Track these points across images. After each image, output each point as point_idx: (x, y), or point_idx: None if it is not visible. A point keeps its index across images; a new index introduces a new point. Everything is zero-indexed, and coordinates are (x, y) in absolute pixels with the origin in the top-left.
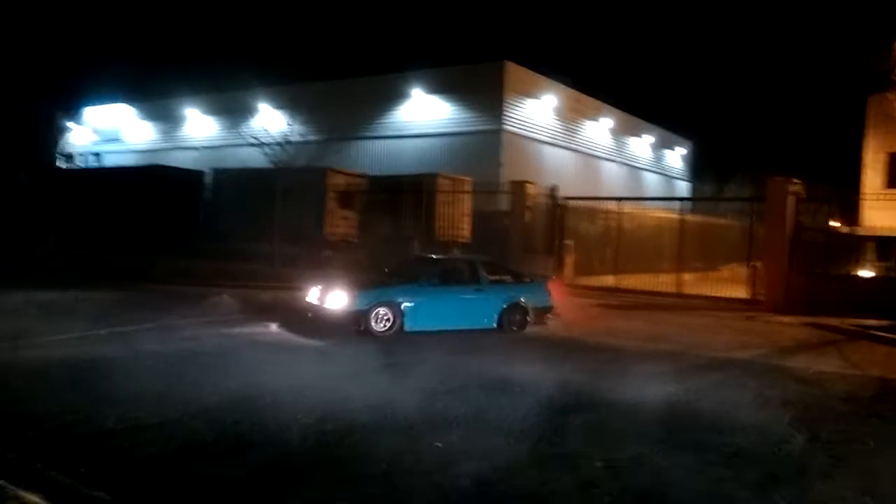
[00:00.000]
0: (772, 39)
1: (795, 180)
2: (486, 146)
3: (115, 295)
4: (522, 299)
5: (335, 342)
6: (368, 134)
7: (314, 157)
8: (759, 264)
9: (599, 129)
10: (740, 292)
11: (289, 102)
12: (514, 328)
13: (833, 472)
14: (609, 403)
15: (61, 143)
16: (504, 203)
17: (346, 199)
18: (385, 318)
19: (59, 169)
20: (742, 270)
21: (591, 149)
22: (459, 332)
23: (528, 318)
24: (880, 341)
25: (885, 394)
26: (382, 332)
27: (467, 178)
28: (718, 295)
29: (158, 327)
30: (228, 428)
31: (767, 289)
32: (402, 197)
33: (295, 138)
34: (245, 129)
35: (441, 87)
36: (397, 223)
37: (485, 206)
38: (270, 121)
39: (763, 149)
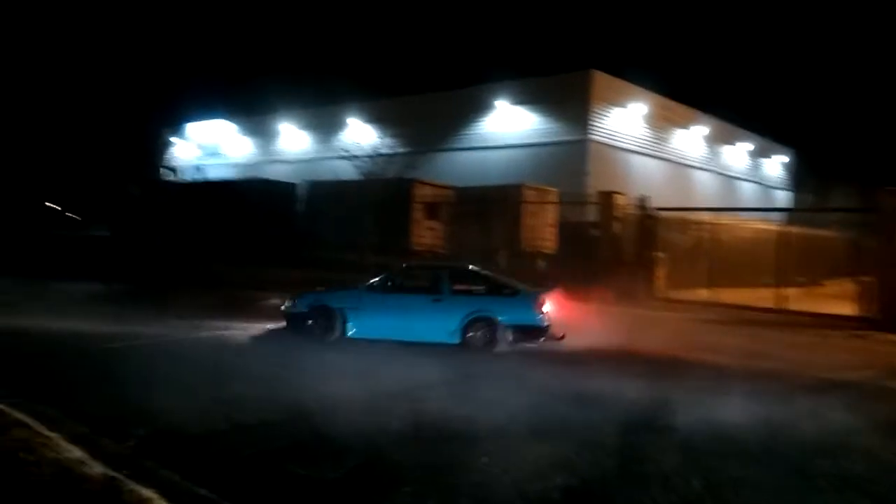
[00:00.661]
0: (879, 41)
1: None
2: (572, 156)
3: (213, 300)
4: (492, 315)
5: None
6: (454, 146)
7: (401, 168)
8: (869, 279)
9: (692, 138)
10: (848, 309)
11: (378, 116)
12: (479, 346)
13: None
14: (709, 422)
15: (167, 157)
16: (591, 214)
17: (432, 210)
18: (324, 323)
19: (165, 181)
20: (849, 286)
21: (682, 158)
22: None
23: (497, 335)
24: None
25: None
26: (322, 336)
27: (553, 189)
28: (824, 312)
29: (258, 331)
30: (325, 431)
31: (879, 306)
32: (488, 208)
33: (384, 151)
34: (336, 143)
35: (526, 97)
36: (483, 234)
37: (571, 216)
38: (360, 134)
39: (870, 156)
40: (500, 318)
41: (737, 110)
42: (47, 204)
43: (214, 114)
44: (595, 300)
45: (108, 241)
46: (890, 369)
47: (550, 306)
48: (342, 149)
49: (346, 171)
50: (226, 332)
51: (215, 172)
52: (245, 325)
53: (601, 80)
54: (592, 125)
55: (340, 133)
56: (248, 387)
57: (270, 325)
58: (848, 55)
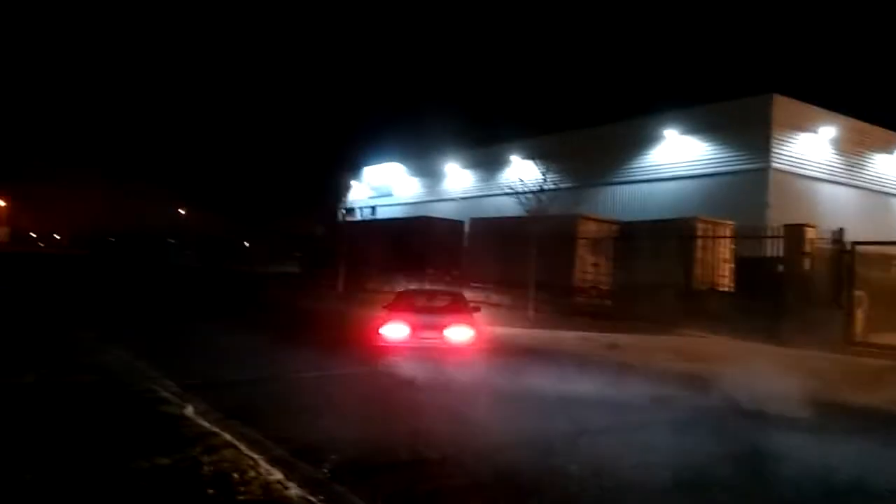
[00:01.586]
0: None
1: None
2: (750, 186)
3: None
4: None
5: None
6: (620, 179)
7: (565, 204)
8: None
9: (892, 163)
10: None
11: (540, 153)
12: None
13: None
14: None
15: (345, 199)
16: (772, 248)
17: (596, 245)
18: None
19: (345, 221)
20: None
21: (881, 185)
22: None
23: None
24: None
25: None
26: None
27: (729, 222)
28: None
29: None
30: (506, 470)
31: None
32: (656, 242)
33: (547, 186)
34: (499, 180)
35: (697, 126)
36: (650, 270)
37: (749, 251)
38: (523, 171)
39: None
40: None
41: None
42: (245, 244)
43: (387, 157)
44: (775, 342)
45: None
46: None
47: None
48: (506, 185)
49: (510, 207)
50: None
51: (387, 212)
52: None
53: (783, 103)
54: (774, 152)
55: (503, 171)
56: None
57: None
58: None
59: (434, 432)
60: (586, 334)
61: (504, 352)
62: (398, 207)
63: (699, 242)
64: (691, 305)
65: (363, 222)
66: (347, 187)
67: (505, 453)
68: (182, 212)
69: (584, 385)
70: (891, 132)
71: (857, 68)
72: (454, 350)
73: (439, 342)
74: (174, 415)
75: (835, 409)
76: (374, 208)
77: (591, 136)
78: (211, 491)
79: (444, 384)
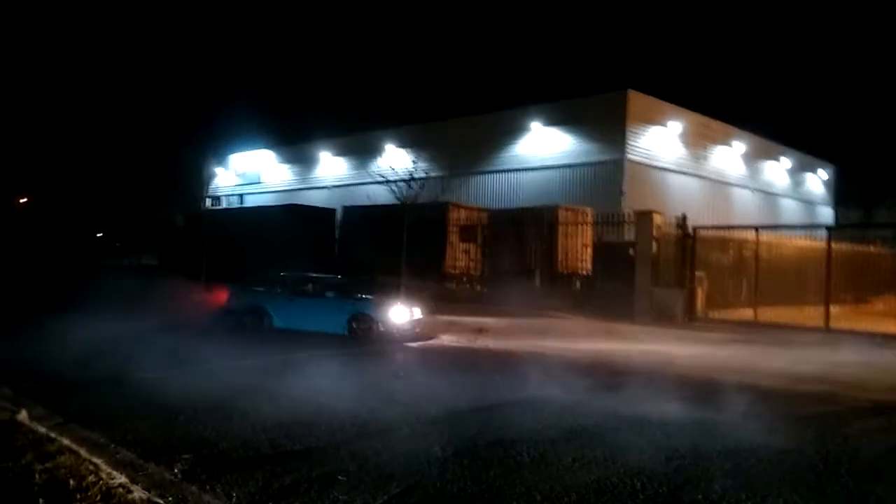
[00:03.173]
0: None
1: None
2: (608, 176)
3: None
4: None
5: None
6: (489, 168)
7: (436, 192)
8: None
9: (730, 155)
10: None
11: (413, 141)
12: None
13: None
14: (754, 447)
15: (209, 187)
16: (628, 234)
17: (466, 232)
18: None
19: (208, 210)
20: None
21: (721, 176)
22: None
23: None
24: None
25: None
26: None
27: (588, 209)
28: (875, 330)
29: (300, 357)
30: (370, 459)
31: None
32: (523, 229)
33: (418, 175)
34: (372, 168)
35: (561, 118)
36: (518, 256)
37: (608, 237)
38: (395, 159)
39: None
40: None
41: (775, 126)
42: (98, 235)
43: (255, 143)
44: (628, 321)
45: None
46: None
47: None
48: (378, 174)
49: (382, 195)
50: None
51: (256, 200)
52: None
53: (637, 99)
54: (628, 144)
55: (376, 158)
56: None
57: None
58: (888, 70)
59: (300, 423)
60: (456, 318)
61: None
62: (268, 195)
63: (561, 229)
64: (555, 289)
65: (228, 211)
66: (212, 174)
67: (365, 441)
68: (23, 201)
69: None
70: (730, 126)
71: (701, 65)
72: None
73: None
74: (3, 421)
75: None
76: (241, 196)
77: (462, 126)
78: (42, 501)
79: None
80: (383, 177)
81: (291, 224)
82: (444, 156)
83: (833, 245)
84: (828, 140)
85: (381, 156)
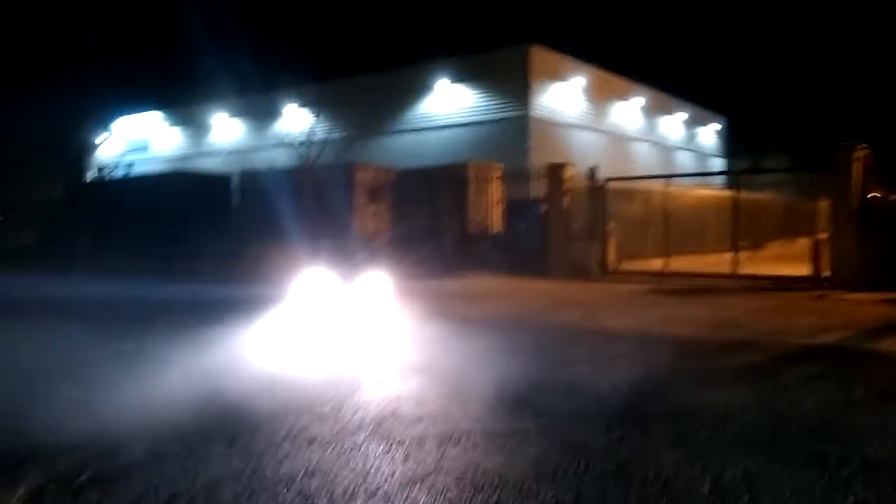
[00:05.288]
0: (803, 15)
1: (864, 146)
2: (514, 133)
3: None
4: None
5: None
6: (396, 128)
7: (341, 153)
8: (822, 237)
9: (630, 109)
10: (800, 269)
11: (313, 101)
12: None
13: None
14: (691, 409)
15: (93, 154)
16: (537, 189)
17: (374, 194)
18: None
19: (90, 181)
20: (793, 246)
21: (621, 129)
22: None
23: None
24: None
25: None
26: None
27: (498, 165)
28: (779, 274)
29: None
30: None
31: (834, 264)
32: (432, 189)
33: (321, 136)
34: (272, 131)
35: (465, 75)
36: (429, 216)
37: (517, 193)
38: (297, 120)
39: (798, 120)
40: None
41: (671, 81)
42: None
43: (142, 106)
44: (542, 277)
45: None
46: (863, 329)
47: None
48: (278, 136)
49: (285, 159)
50: None
51: (146, 168)
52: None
53: (540, 54)
54: (533, 100)
55: (276, 120)
56: None
57: None
58: (775, 27)
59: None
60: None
61: None
62: (160, 163)
63: (472, 187)
64: (468, 248)
65: (112, 182)
66: (93, 142)
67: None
68: None
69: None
70: (629, 81)
71: (601, 20)
72: None
73: None
74: None
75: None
76: (129, 165)
77: (366, 84)
78: None
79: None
80: (285, 139)
81: (181, 193)
82: (349, 116)
83: (734, 193)
84: (719, 94)
85: (281, 117)
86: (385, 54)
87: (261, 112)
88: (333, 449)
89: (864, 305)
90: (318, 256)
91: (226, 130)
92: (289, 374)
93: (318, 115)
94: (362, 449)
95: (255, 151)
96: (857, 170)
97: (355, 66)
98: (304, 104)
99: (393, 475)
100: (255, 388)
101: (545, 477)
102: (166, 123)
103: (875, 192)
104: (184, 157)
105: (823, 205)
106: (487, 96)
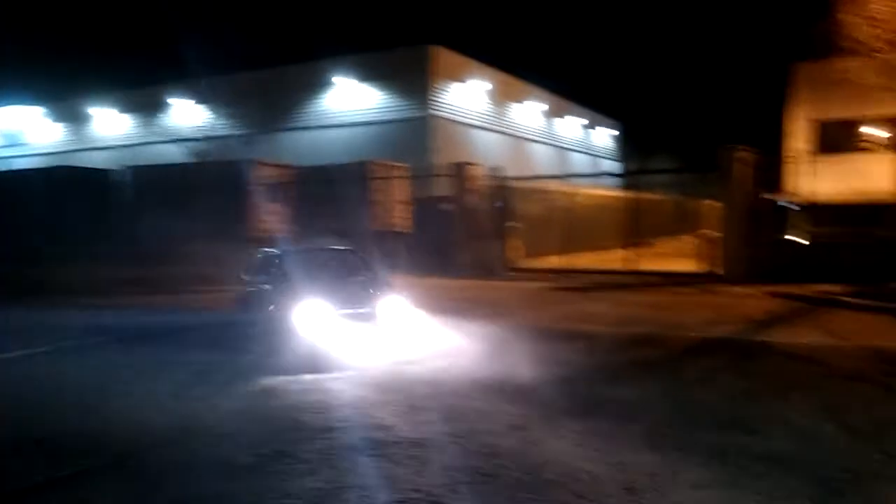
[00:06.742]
0: (690, 28)
1: (746, 147)
2: (417, 132)
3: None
4: None
5: None
6: (295, 125)
7: (238, 150)
8: (709, 235)
9: (529, 112)
10: (690, 265)
11: (207, 95)
12: None
13: None
14: (602, 403)
15: None
16: (442, 188)
17: (273, 192)
18: None
19: None
20: (682, 243)
21: (521, 131)
22: None
23: None
24: (849, 308)
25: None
26: None
27: (403, 165)
28: (673, 270)
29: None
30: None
31: (724, 260)
32: (334, 187)
33: (216, 132)
34: (162, 125)
35: (366, 73)
36: (332, 215)
37: (422, 192)
38: (190, 115)
39: (687, 124)
40: None
41: (570, 85)
42: None
43: (17, 98)
44: (447, 275)
45: None
46: (752, 322)
47: None
48: (169, 131)
49: (176, 155)
50: None
51: (20, 163)
52: None
53: (441, 55)
54: (435, 100)
55: (167, 114)
56: None
57: None
58: (667, 36)
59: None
60: None
61: None
62: (36, 158)
63: (376, 185)
64: (374, 246)
65: None
66: None
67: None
68: None
69: None
70: (526, 84)
71: (502, 24)
72: None
73: None
74: None
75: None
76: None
77: (264, 79)
78: None
79: None
80: (175, 134)
81: (56, 190)
82: (247, 112)
83: (629, 194)
84: (614, 100)
85: (172, 111)
86: (283, 49)
87: (150, 106)
88: None
89: (754, 299)
90: (215, 260)
91: (112, 124)
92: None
93: (214, 113)
94: None
95: (145, 146)
96: (738, 170)
97: (252, 61)
98: (198, 100)
99: None
100: None
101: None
102: (45, 116)
103: (763, 192)
104: (66, 152)
105: (707, 204)
106: (390, 95)
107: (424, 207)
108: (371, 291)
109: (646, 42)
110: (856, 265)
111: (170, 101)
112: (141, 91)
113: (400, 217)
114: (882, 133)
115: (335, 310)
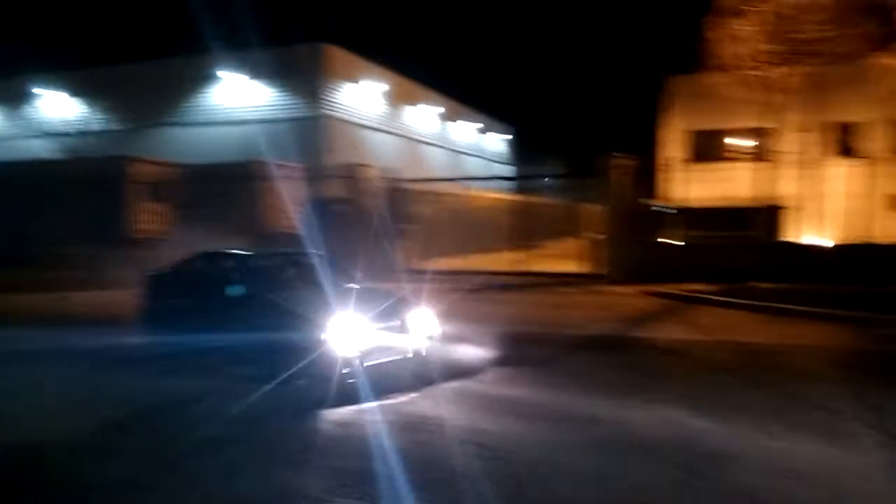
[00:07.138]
0: (582, 41)
1: (624, 155)
2: (310, 132)
3: None
4: None
5: None
6: (179, 120)
7: (118, 146)
8: (594, 237)
9: (424, 115)
10: (576, 267)
11: (81, 88)
12: None
13: None
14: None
15: None
16: (336, 190)
17: (155, 191)
18: None
19: None
20: (565, 246)
21: (416, 134)
22: None
23: None
24: (711, 304)
25: (752, 358)
26: None
27: (295, 165)
28: (559, 271)
29: None
30: None
31: (606, 261)
32: (221, 187)
33: (91, 127)
34: (30, 119)
35: (257, 70)
36: (219, 216)
37: (316, 194)
38: (61, 108)
39: (571, 132)
40: None
41: (464, 91)
42: None
43: None
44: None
45: None
46: (630, 320)
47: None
48: (38, 126)
49: (45, 151)
50: None
51: None
52: None
53: (335, 54)
54: (329, 100)
55: (34, 108)
56: None
57: None
58: (557, 47)
59: None
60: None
61: None
62: None
63: (267, 186)
64: (262, 247)
65: None
66: None
67: None
68: None
69: None
70: (422, 87)
71: (398, 26)
72: None
73: None
74: None
75: None
76: None
77: (143, 71)
78: None
79: None
80: (44, 129)
81: None
82: (127, 106)
83: (521, 197)
84: (507, 106)
85: (41, 104)
86: (169, 42)
87: (14, 97)
88: None
89: (632, 298)
90: (88, 261)
91: None
92: None
93: (89, 106)
94: None
95: (7, 141)
96: (616, 176)
97: (135, 52)
98: (71, 92)
99: None
100: None
101: None
102: None
103: (641, 197)
104: None
105: (591, 208)
106: (283, 93)
107: (317, 209)
108: (401, 303)
109: (537, 52)
110: (723, 265)
111: (38, 91)
112: (4, 81)
113: (291, 218)
114: (745, 143)
115: (371, 324)
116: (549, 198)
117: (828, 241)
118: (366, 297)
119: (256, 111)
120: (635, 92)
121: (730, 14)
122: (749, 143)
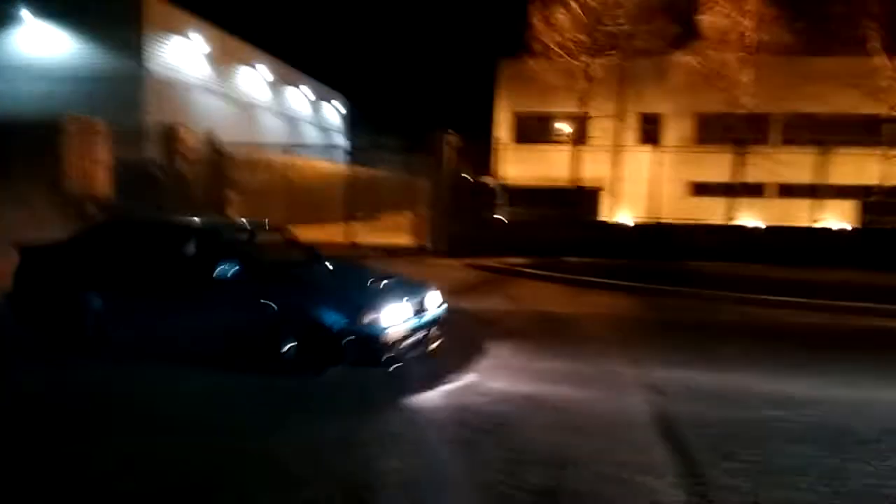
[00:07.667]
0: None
1: (451, 132)
2: (127, 89)
3: None
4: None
5: None
6: None
7: None
8: (422, 212)
9: (256, 78)
10: (405, 240)
11: None
12: None
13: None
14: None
15: None
16: (153, 153)
17: None
18: None
19: None
20: (400, 219)
21: (247, 97)
22: None
23: None
24: (527, 277)
25: (550, 325)
26: None
27: (101, 122)
28: (389, 243)
29: None
30: None
31: (431, 234)
32: (19, 144)
33: None
34: None
35: (65, 18)
36: (15, 176)
37: (129, 155)
38: None
39: (409, 108)
40: None
41: (296, 56)
42: None
43: None
44: None
45: None
46: (447, 291)
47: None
48: None
49: None
50: None
51: None
52: None
53: (155, 5)
54: (148, 54)
55: None
56: None
57: None
58: (397, 24)
59: None
60: None
61: None
62: None
63: (69, 145)
64: (64, 213)
65: None
66: None
67: None
68: None
69: None
70: (254, 49)
71: None
72: None
73: None
74: None
75: None
76: None
77: None
78: None
79: None
80: None
81: None
82: None
83: (354, 169)
84: (343, 75)
85: None
86: None
87: None
88: None
89: (453, 270)
90: None
91: None
92: None
93: None
94: None
95: None
96: (447, 152)
97: None
98: None
99: None
100: None
101: None
102: None
103: (470, 174)
104: None
105: (422, 182)
106: (96, 46)
107: (130, 171)
108: (417, 287)
109: (375, 26)
110: (542, 241)
111: None
112: None
113: (99, 181)
114: (565, 127)
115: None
116: (387, 171)
117: (631, 221)
118: (362, 277)
119: (64, 63)
120: (476, 72)
121: (552, 2)
122: (568, 127)
